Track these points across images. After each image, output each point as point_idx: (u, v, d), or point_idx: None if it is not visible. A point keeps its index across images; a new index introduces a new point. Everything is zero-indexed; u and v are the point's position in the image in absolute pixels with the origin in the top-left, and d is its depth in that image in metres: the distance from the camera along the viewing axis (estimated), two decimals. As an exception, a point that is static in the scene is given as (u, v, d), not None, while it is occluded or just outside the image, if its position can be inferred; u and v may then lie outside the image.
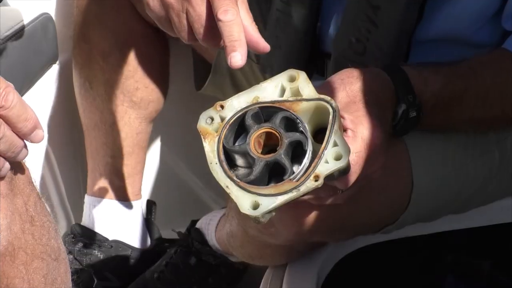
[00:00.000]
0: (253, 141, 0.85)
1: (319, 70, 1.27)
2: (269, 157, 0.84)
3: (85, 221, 1.60)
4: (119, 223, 1.61)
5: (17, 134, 0.72)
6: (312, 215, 1.06)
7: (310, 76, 1.24)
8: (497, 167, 1.19)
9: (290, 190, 0.83)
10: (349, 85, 0.98)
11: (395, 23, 1.11)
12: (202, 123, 0.86)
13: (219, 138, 0.86)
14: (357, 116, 0.95)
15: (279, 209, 1.04)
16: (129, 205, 1.62)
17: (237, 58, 0.88)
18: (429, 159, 1.13)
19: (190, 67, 1.60)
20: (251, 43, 0.92)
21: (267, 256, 1.25)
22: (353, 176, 0.92)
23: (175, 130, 1.74)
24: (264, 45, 0.94)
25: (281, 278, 1.23)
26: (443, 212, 1.21)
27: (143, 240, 1.64)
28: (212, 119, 0.86)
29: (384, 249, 1.35)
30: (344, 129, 0.93)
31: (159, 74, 1.59)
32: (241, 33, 0.89)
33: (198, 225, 1.56)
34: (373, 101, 0.98)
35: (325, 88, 0.98)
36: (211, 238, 1.52)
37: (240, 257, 1.36)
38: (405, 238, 1.28)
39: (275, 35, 1.23)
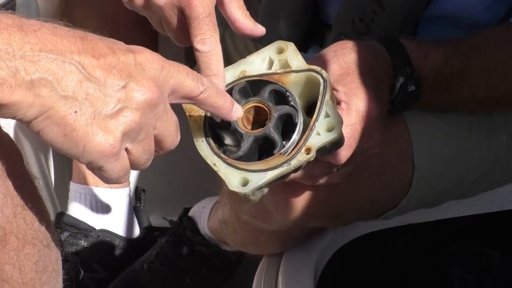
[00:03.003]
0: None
1: (318, 42, 1.27)
2: (258, 131, 0.85)
3: (70, 210, 1.62)
4: (106, 212, 1.63)
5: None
6: (308, 198, 1.07)
7: (308, 48, 1.26)
8: (505, 149, 1.20)
9: (281, 165, 0.84)
10: (342, 56, 0.99)
11: (403, 5, 1.12)
12: None
13: (205, 115, 0.87)
14: (351, 88, 0.95)
15: (272, 191, 1.05)
16: (116, 193, 1.63)
17: None
18: (431, 140, 1.14)
19: (180, 50, 1.62)
20: (247, 33, 0.92)
21: (261, 244, 1.27)
22: (348, 150, 0.93)
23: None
24: (260, 31, 0.95)
25: (277, 267, 1.25)
26: (447, 197, 1.22)
27: (132, 229, 1.66)
28: None
29: (385, 237, 1.35)
30: (337, 102, 0.94)
31: None
32: (219, 65, 0.87)
33: (190, 213, 1.58)
34: (368, 73, 0.98)
35: (318, 61, 0.98)
36: (203, 226, 1.54)
37: (233, 245, 1.38)
38: (408, 225, 1.30)
39: (274, 6, 1.24)
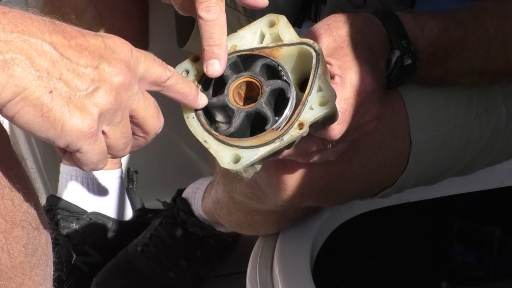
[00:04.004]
0: (232, 92, 0.85)
1: (312, 16, 1.26)
2: (250, 107, 0.84)
3: (61, 192, 1.62)
4: (98, 194, 1.63)
5: None
6: (302, 176, 1.07)
7: (302, 23, 1.25)
8: (504, 124, 1.19)
9: (273, 140, 0.84)
10: (336, 29, 0.98)
11: None
12: None
13: None
14: (345, 61, 0.95)
15: (266, 169, 1.04)
16: (108, 174, 1.64)
17: (215, 67, 0.86)
18: (428, 115, 1.13)
19: (172, 23, 1.61)
20: (250, 4, 0.91)
21: (256, 224, 1.26)
22: (342, 125, 0.92)
23: (156, 93, 1.75)
24: (263, 2, 0.93)
25: (273, 248, 1.25)
26: (446, 174, 1.22)
27: (125, 211, 1.66)
28: (188, 71, 0.87)
29: (384, 216, 1.36)
30: (331, 76, 0.93)
31: (138, 31, 1.60)
32: (222, 36, 0.86)
33: (184, 195, 1.58)
34: (363, 46, 0.97)
35: (311, 35, 0.97)
36: (197, 208, 1.54)
37: (228, 226, 1.38)
38: (406, 203, 1.30)
39: None
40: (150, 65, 0.78)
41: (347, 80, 0.94)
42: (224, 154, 0.84)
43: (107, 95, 0.72)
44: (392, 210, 1.33)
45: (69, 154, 0.74)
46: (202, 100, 0.85)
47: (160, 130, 0.80)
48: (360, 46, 0.97)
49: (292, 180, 1.08)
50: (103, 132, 0.74)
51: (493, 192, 1.37)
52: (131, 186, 1.71)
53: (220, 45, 0.86)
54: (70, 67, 0.71)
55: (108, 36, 0.75)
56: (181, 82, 0.82)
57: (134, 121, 0.77)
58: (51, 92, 0.69)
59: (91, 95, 0.71)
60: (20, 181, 0.78)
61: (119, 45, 0.74)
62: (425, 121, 1.14)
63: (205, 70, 0.86)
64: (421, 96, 1.13)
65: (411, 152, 1.13)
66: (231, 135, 0.84)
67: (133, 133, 0.78)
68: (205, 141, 0.85)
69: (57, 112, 0.70)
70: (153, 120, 0.78)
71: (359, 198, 1.25)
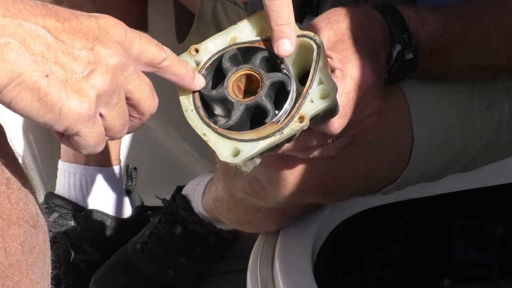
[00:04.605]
0: (232, 84, 0.85)
1: (314, 11, 1.26)
2: (249, 100, 0.84)
3: (59, 190, 1.62)
4: (96, 191, 1.63)
5: None
6: (304, 173, 1.07)
7: (303, 17, 1.25)
8: (507, 119, 1.19)
9: (273, 134, 0.83)
10: (336, 23, 0.98)
11: None
12: None
13: None
14: (345, 55, 0.95)
15: (266, 165, 1.03)
16: (107, 171, 1.64)
17: (286, 47, 0.86)
18: (430, 111, 1.13)
19: (171, 18, 1.61)
20: None
21: (257, 221, 1.26)
22: (343, 119, 0.92)
23: (156, 88, 1.75)
24: None
25: (273, 246, 1.25)
26: (449, 170, 1.22)
27: (124, 208, 1.66)
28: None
29: (385, 213, 1.35)
30: (332, 70, 0.93)
31: (137, 26, 1.58)
32: (290, 14, 0.86)
33: (184, 192, 1.58)
34: (364, 40, 0.97)
35: (311, 29, 0.97)
36: (197, 205, 1.54)
37: (228, 223, 1.37)
38: (408, 200, 1.30)
39: None
40: (145, 46, 0.77)
41: (347, 73, 0.94)
42: (224, 147, 0.84)
43: (103, 77, 0.72)
44: (393, 207, 1.32)
45: (67, 138, 0.75)
46: (199, 81, 0.85)
47: (154, 111, 0.80)
48: (361, 40, 0.97)
49: (293, 177, 1.08)
50: (101, 114, 0.74)
51: (495, 189, 1.37)
52: (130, 183, 1.71)
53: (289, 24, 0.86)
54: (65, 50, 0.71)
55: (102, 16, 0.75)
56: (177, 64, 0.81)
57: (129, 102, 0.77)
58: (47, 76, 0.69)
59: (88, 78, 0.71)
60: (17, 179, 0.77)
61: (113, 25, 0.74)
62: (427, 116, 1.13)
63: (275, 50, 0.86)
64: (423, 91, 1.13)
65: (413, 148, 1.13)
66: (231, 128, 0.84)
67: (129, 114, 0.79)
68: (204, 134, 0.85)
69: (55, 96, 0.70)
70: (148, 101, 0.78)
71: (360, 195, 1.25)
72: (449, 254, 1.57)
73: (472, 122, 1.17)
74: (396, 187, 1.19)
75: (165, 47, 0.80)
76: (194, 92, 0.86)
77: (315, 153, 1.00)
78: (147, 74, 0.79)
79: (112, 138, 0.78)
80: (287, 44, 0.86)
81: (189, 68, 0.84)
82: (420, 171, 1.17)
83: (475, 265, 1.55)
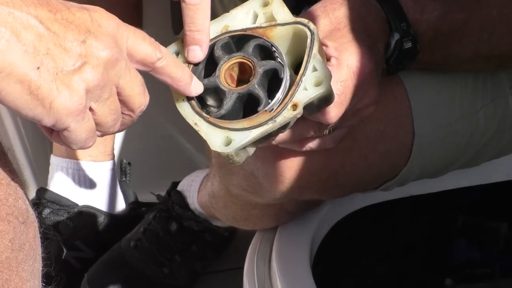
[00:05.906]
0: (224, 73, 0.85)
1: (312, 2, 1.24)
2: (242, 88, 0.84)
3: (51, 185, 1.62)
4: (89, 187, 1.62)
5: None
6: (301, 168, 1.06)
7: (301, 8, 1.24)
8: (511, 114, 1.18)
9: (266, 122, 0.83)
10: (332, 11, 0.98)
11: None
12: None
13: None
14: (341, 42, 0.94)
15: (263, 160, 1.02)
16: (100, 166, 1.64)
17: (197, 53, 0.86)
18: (432, 105, 1.12)
19: (167, 9, 1.61)
20: None
21: (254, 218, 1.26)
22: (339, 108, 0.91)
23: (151, 80, 1.75)
24: None
25: (271, 243, 1.24)
26: (451, 166, 1.21)
27: (117, 204, 1.66)
28: (178, 53, 0.87)
29: (386, 210, 1.35)
30: (328, 58, 0.93)
31: (131, 18, 1.60)
32: (205, 21, 0.85)
33: (179, 188, 1.57)
34: (360, 28, 0.97)
35: (307, 17, 0.94)
36: (193, 201, 1.53)
37: (224, 219, 1.37)
38: (409, 197, 1.29)
39: None
40: (138, 43, 0.77)
41: (343, 61, 0.93)
42: (215, 137, 0.84)
43: (94, 71, 0.71)
44: (394, 204, 1.32)
45: (57, 133, 0.74)
46: (195, 87, 0.84)
47: (145, 108, 0.79)
48: (358, 28, 0.97)
49: (291, 172, 1.07)
50: (91, 109, 0.74)
51: (499, 186, 1.36)
52: (124, 179, 1.70)
53: (202, 30, 0.85)
54: (57, 42, 0.70)
55: (94, 9, 0.74)
56: (172, 65, 0.80)
57: (119, 98, 0.76)
58: (38, 68, 0.68)
59: (78, 71, 0.71)
60: (6, 174, 0.77)
61: (106, 19, 0.74)
62: (428, 110, 1.13)
63: (186, 56, 0.86)
64: (424, 83, 1.12)
65: (414, 143, 1.12)
66: (223, 117, 0.84)
67: None
68: (195, 123, 0.85)
69: (45, 89, 0.69)
70: (139, 98, 0.77)
71: (360, 191, 1.25)
72: (451, 252, 1.56)
73: (475, 117, 1.16)
74: (397, 183, 1.18)
75: (162, 47, 0.79)
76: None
77: (312, 145, 0.99)
78: (141, 72, 0.79)
79: (103, 134, 0.77)
80: (197, 51, 0.86)
81: (186, 72, 0.83)
82: (421, 167, 1.16)
83: (478, 264, 1.55)
